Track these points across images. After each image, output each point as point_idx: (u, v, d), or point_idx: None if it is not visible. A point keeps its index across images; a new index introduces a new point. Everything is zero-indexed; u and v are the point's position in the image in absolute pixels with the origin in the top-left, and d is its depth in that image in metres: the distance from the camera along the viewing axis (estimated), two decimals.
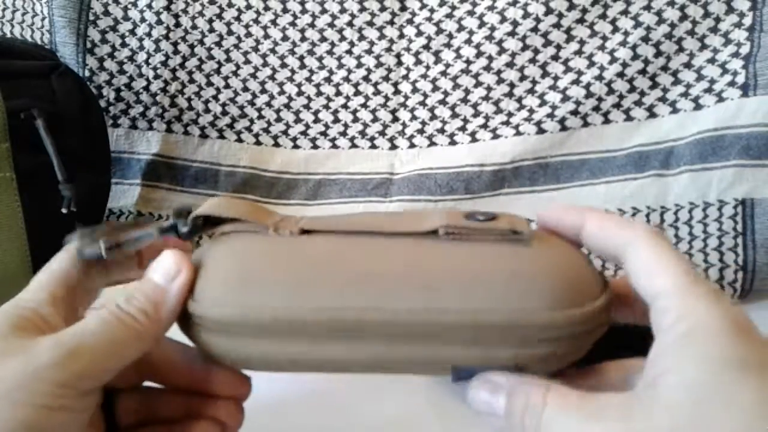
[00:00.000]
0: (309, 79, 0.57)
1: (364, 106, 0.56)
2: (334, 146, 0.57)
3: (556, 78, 0.52)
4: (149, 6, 0.57)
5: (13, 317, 0.22)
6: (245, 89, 0.58)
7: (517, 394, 0.21)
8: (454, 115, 0.54)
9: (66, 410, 0.21)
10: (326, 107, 0.57)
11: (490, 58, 0.52)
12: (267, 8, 0.57)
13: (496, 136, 0.53)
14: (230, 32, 0.58)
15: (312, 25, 0.57)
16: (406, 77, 0.56)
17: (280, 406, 0.30)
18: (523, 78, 0.52)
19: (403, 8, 0.55)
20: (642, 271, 0.21)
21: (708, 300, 0.19)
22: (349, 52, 0.56)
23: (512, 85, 0.52)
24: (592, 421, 0.19)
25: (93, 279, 0.26)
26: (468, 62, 0.53)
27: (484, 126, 0.53)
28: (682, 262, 0.20)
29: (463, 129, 0.54)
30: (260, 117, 0.58)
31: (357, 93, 0.56)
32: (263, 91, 0.58)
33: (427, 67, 0.55)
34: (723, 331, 0.18)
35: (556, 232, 0.24)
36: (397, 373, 0.24)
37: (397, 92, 0.56)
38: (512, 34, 0.51)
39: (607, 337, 0.23)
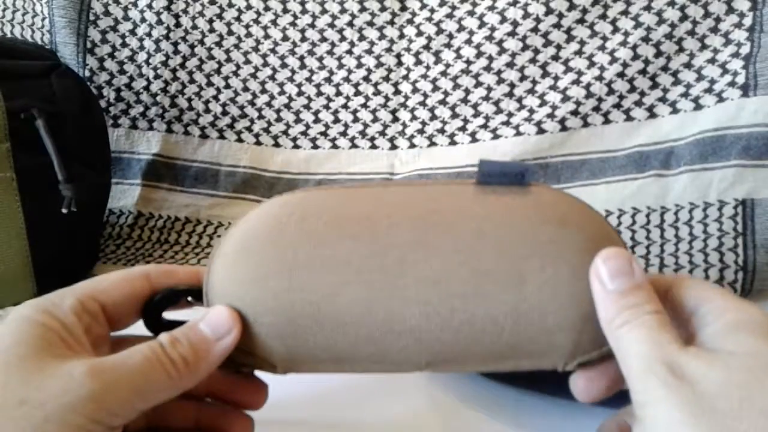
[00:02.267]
0: (309, 79, 0.57)
1: (365, 106, 0.56)
2: (335, 146, 0.57)
3: (556, 78, 0.52)
4: (149, 6, 0.57)
5: (40, 327, 0.21)
6: (245, 89, 0.58)
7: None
8: (455, 115, 0.54)
9: None
10: (326, 107, 0.57)
11: (491, 59, 0.52)
12: (267, 8, 0.57)
13: (496, 137, 0.53)
14: (230, 32, 0.58)
15: (312, 26, 0.57)
16: (406, 77, 0.56)
17: (279, 405, 0.30)
18: (523, 78, 0.52)
19: (404, 8, 0.55)
20: (686, 293, 0.23)
21: (747, 302, 0.21)
22: (349, 52, 0.56)
23: (512, 85, 0.52)
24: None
25: (133, 314, 0.25)
26: (468, 62, 0.53)
27: (485, 126, 0.53)
28: (721, 287, 0.23)
29: (463, 129, 0.54)
30: (260, 117, 0.58)
31: (357, 93, 0.56)
32: (263, 91, 0.58)
33: (428, 68, 0.55)
34: (765, 318, 0.21)
35: None
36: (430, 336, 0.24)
37: (397, 92, 0.56)
38: (512, 34, 0.51)
39: None
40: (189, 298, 0.26)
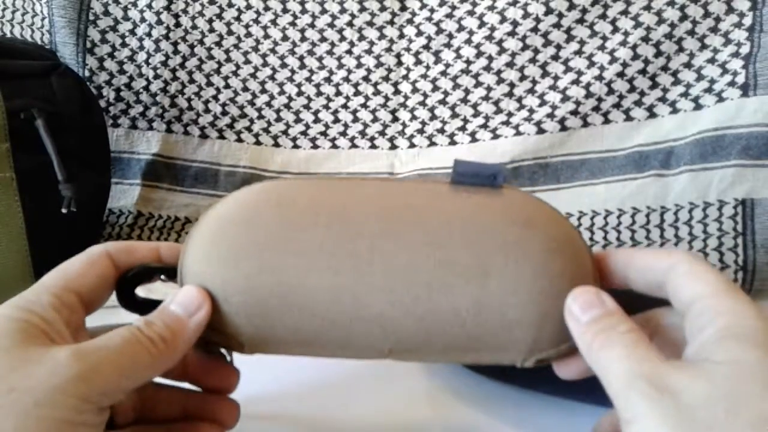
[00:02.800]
0: (309, 79, 0.57)
1: (364, 106, 0.56)
2: (334, 146, 0.57)
3: (556, 78, 0.52)
4: (149, 6, 0.57)
5: (21, 323, 0.21)
6: (245, 89, 0.58)
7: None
8: (454, 115, 0.54)
9: (86, 426, 0.20)
10: (326, 107, 0.57)
11: (490, 58, 0.52)
12: (267, 8, 0.57)
13: (496, 136, 0.53)
14: (230, 32, 0.58)
15: (312, 25, 0.57)
16: (406, 77, 0.56)
17: (274, 403, 0.30)
18: (523, 78, 0.52)
19: (403, 8, 0.55)
20: (682, 283, 0.22)
21: (743, 300, 0.21)
22: (349, 52, 0.56)
23: (512, 85, 0.52)
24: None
25: (104, 296, 0.25)
26: (468, 62, 0.53)
27: (484, 126, 0.53)
28: (718, 274, 0.22)
29: (463, 129, 0.54)
30: (260, 117, 0.58)
31: (357, 93, 0.56)
32: (263, 91, 0.58)
33: (427, 67, 0.55)
34: (759, 323, 0.20)
35: (602, 272, 0.26)
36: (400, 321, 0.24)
37: (397, 92, 0.56)
38: (512, 34, 0.51)
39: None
40: (162, 276, 0.26)
